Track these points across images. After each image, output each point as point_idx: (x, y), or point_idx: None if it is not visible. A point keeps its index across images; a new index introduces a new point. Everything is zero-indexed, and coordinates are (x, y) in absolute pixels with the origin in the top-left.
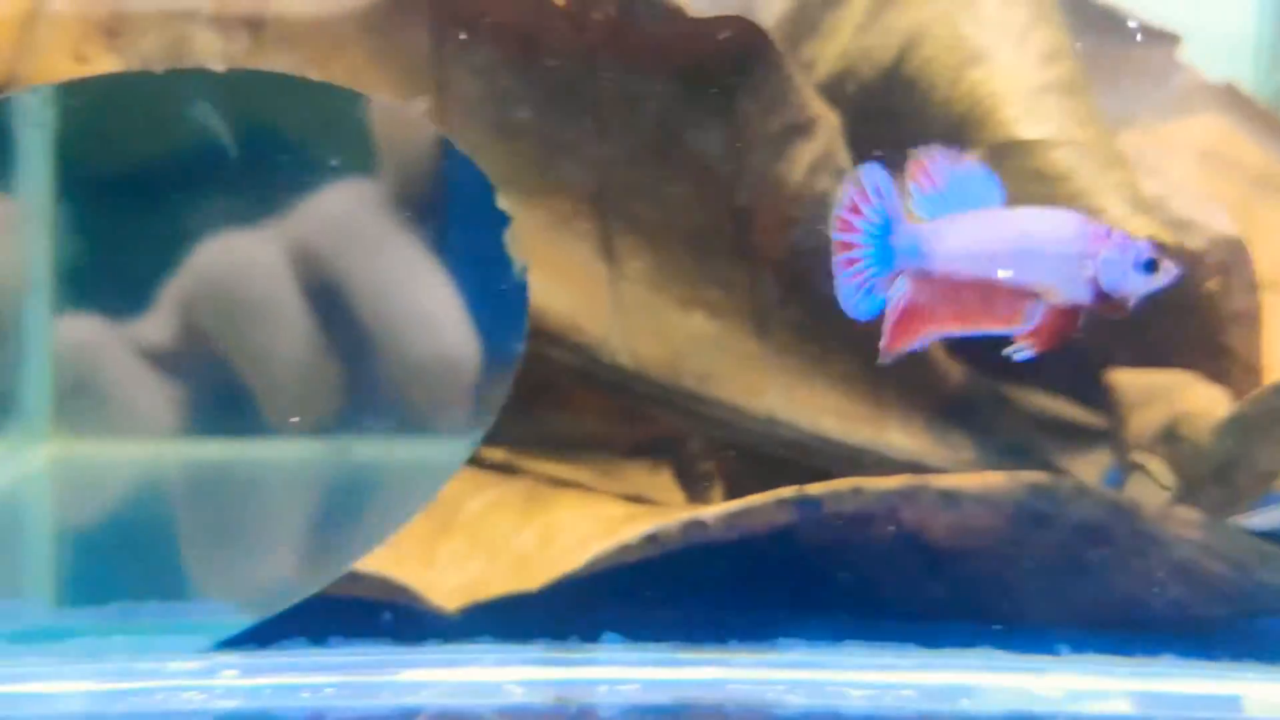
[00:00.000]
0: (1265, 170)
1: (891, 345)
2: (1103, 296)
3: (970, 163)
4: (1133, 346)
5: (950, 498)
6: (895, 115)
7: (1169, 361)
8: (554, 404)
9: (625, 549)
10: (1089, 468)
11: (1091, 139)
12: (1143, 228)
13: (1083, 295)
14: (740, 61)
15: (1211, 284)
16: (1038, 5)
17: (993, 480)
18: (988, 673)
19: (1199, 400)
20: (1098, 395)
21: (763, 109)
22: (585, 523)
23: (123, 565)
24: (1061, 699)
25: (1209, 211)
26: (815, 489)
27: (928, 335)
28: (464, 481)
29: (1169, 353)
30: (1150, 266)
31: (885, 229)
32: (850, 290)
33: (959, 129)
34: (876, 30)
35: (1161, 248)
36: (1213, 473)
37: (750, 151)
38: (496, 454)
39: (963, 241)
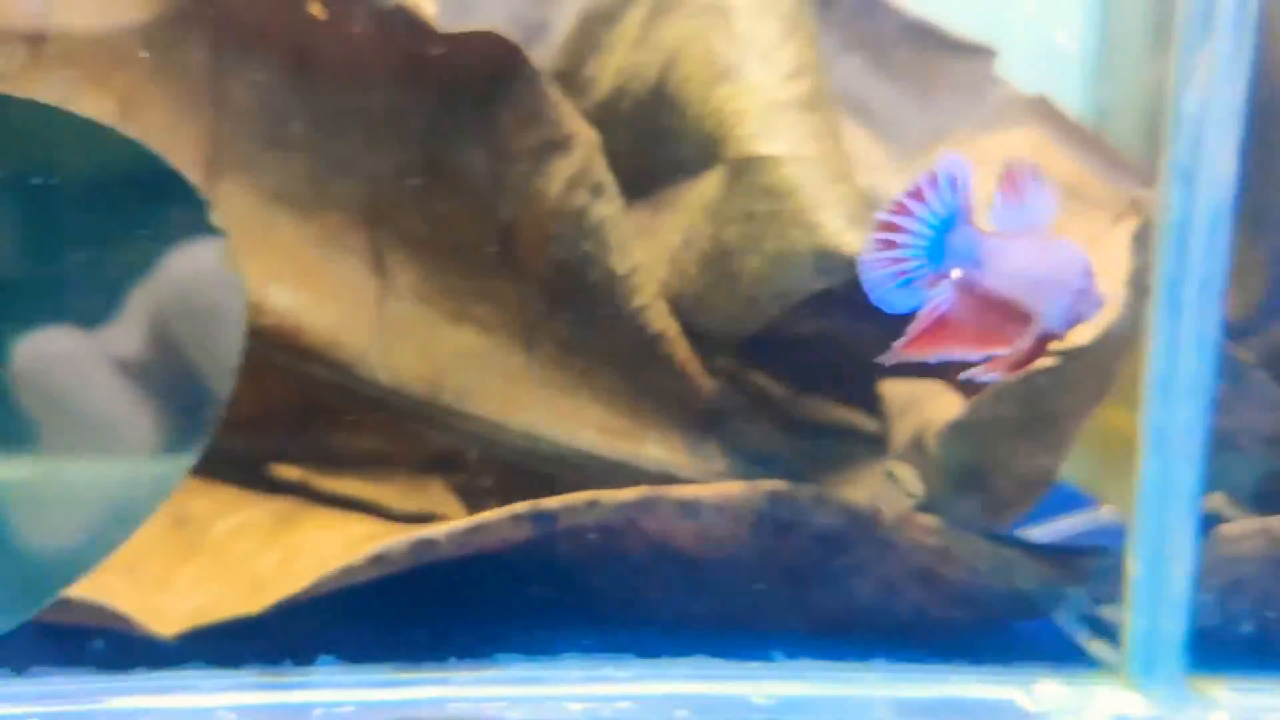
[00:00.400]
0: (1076, 181)
1: (910, 348)
2: (1071, 326)
3: (1046, 186)
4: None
5: (689, 507)
6: (661, 132)
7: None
8: (337, 422)
9: (349, 570)
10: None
11: (822, 154)
12: (855, 241)
13: (1064, 325)
14: (497, 78)
15: None
16: (789, 21)
17: (731, 490)
18: (705, 682)
19: (941, 409)
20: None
21: (520, 125)
22: (327, 544)
23: None
24: (775, 706)
25: None
26: (550, 503)
27: (945, 352)
28: (217, 502)
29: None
30: (1101, 300)
31: (948, 223)
32: (883, 277)
33: (708, 146)
34: (646, 47)
35: None
36: (956, 480)
37: (509, 167)
38: (292, 473)
39: (1020, 262)
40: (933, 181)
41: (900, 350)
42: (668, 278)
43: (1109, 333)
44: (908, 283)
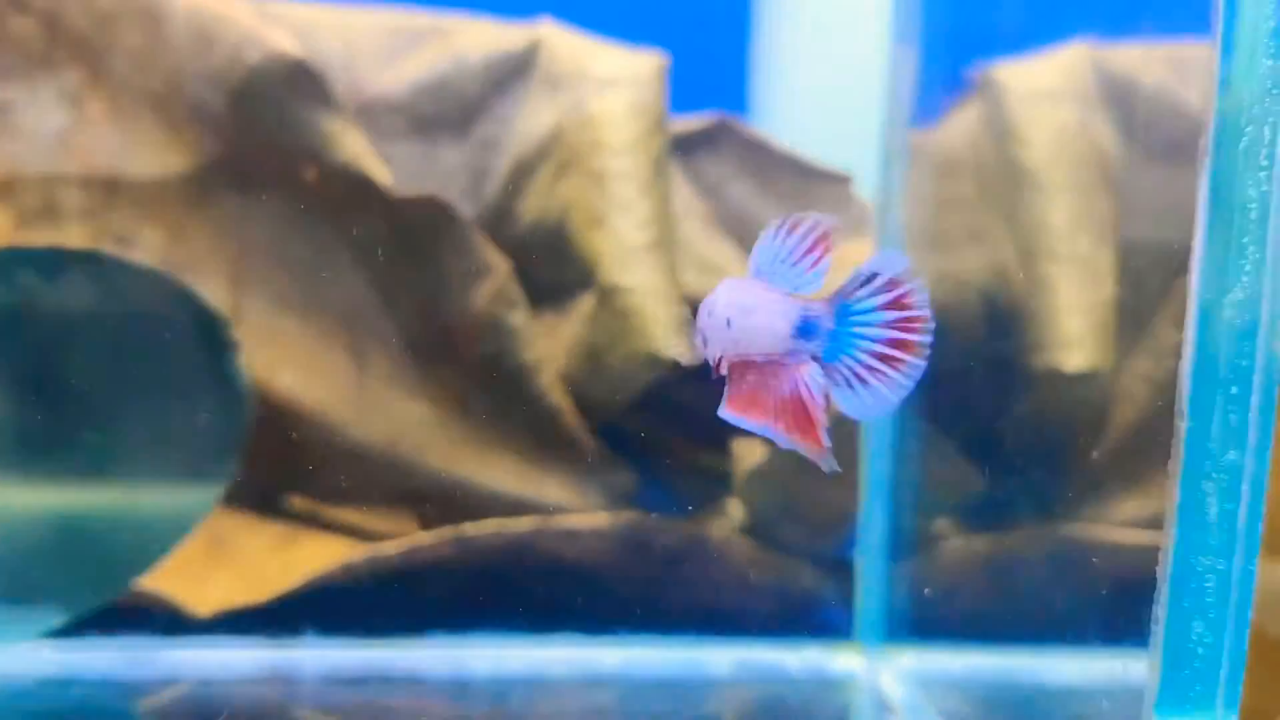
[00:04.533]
0: None
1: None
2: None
3: (819, 254)
4: None
5: (571, 533)
6: (562, 259)
7: None
8: (331, 469)
9: (327, 574)
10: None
11: (660, 284)
12: (675, 349)
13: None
14: (438, 224)
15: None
16: (645, 184)
17: (600, 519)
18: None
19: (754, 458)
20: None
21: (455, 256)
22: (316, 557)
23: None
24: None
25: None
26: (468, 529)
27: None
28: (241, 525)
29: None
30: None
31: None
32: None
33: (588, 273)
34: (552, 196)
35: None
36: (772, 511)
37: (448, 286)
38: (302, 504)
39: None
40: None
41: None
42: (564, 366)
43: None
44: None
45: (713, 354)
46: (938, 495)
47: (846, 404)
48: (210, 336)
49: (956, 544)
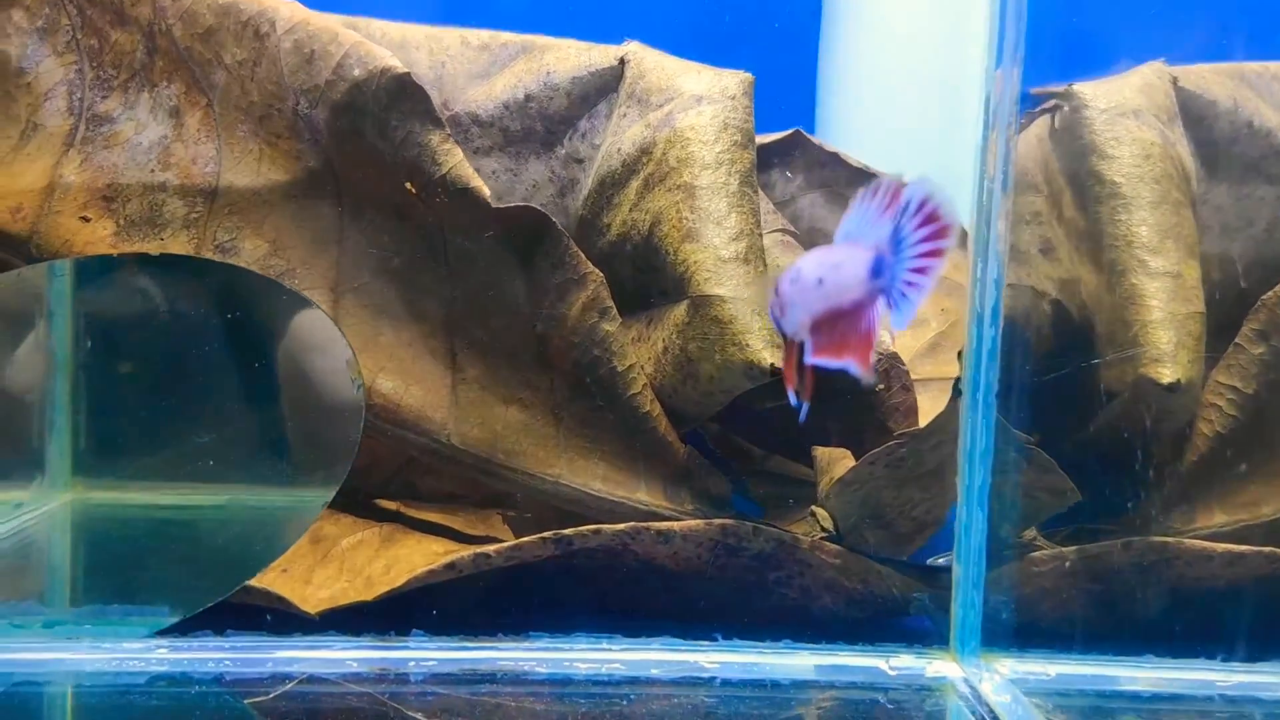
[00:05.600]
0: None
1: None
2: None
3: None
4: (836, 429)
5: (664, 536)
6: (651, 268)
7: (858, 439)
8: (424, 471)
9: (431, 573)
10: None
11: (751, 295)
12: (771, 357)
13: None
14: (533, 234)
15: (880, 386)
16: (734, 199)
17: (693, 524)
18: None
19: (841, 470)
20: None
21: (550, 267)
22: (417, 556)
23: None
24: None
25: (880, 332)
26: (567, 531)
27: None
28: (341, 526)
29: (858, 433)
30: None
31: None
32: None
33: (679, 284)
34: (640, 209)
35: None
36: (857, 520)
37: (543, 295)
38: (391, 505)
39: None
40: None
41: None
42: (654, 373)
43: (949, 411)
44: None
45: (792, 323)
46: (1034, 504)
47: (895, 319)
48: (325, 345)
49: (1050, 553)
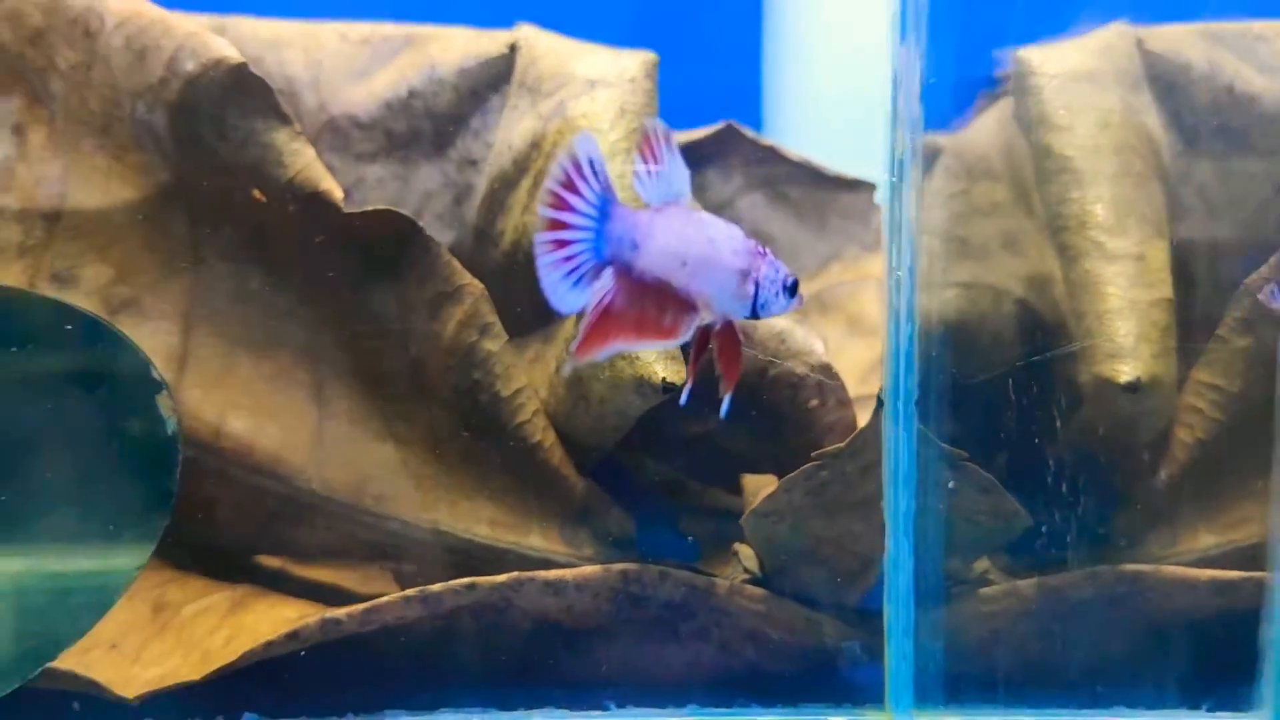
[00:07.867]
0: None
1: (584, 351)
2: (753, 315)
3: (677, 148)
4: (766, 451)
5: (554, 587)
6: None
7: (791, 464)
8: (293, 521)
9: (270, 645)
10: None
11: None
12: (663, 372)
13: (740, 312)
14: (400, 244)
15: (813, 402)
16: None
17: (589, 571)
18: None
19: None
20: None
21: (420, 280)
22: (265, 623)
23: None
24: None
25: (811, 342)
26: (435, 587)
27: (612, 345)
28: (189, 590)
29: (791, 457)
30: (794, 290)
31: (604, 211)
32: (559, 279)
33: None
34: (531, 212)
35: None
36: (794, 557)
37: (414, 313)
38: (274, 563)
39: (668, 239)
40: (576, 166)
41: (579, 354)
42: (548, 397)
43: (871, 425)
44: (579, 280)
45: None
46: (972, 532)
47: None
48: (133, 376)
49: (997, 588)
